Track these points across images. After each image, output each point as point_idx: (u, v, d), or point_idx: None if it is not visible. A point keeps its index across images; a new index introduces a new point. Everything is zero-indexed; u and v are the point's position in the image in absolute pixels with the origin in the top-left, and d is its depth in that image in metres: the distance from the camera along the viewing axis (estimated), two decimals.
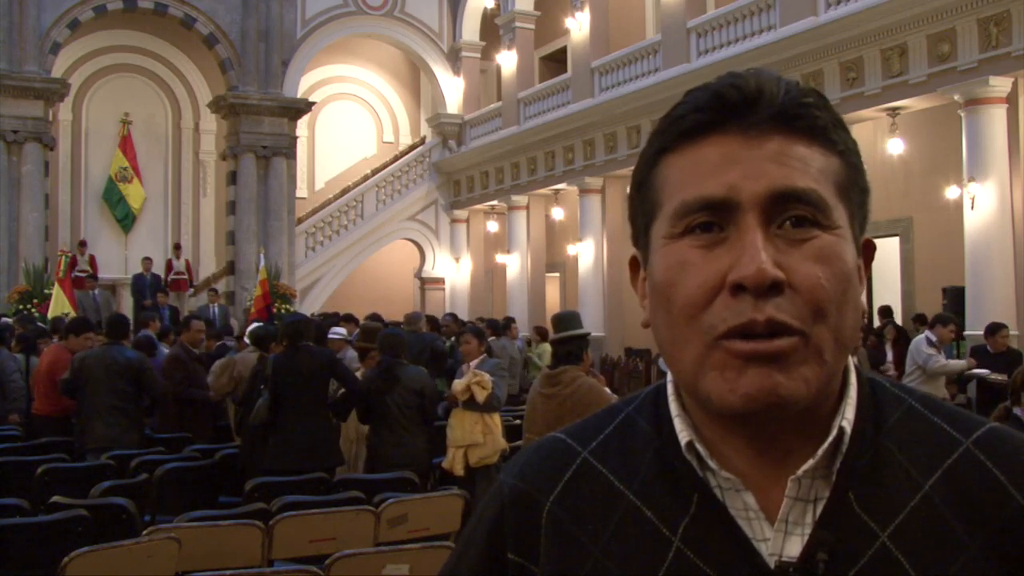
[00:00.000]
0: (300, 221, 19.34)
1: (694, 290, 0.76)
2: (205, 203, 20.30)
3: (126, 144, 19.11)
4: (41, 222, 16.42)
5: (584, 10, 16.53)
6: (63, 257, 13.56)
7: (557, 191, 17.92)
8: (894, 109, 11.60)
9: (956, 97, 10.49)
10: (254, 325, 9.50)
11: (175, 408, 7.66)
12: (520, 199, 18.57)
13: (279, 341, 6.70)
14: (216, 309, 15.48)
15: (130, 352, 6.99)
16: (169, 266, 17.20)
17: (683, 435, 0.81)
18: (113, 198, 19.05)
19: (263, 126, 18.17)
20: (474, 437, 6.09)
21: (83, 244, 17.44)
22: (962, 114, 10.52)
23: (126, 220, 19.21)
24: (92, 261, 16.88)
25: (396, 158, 21.33)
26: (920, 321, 11.79)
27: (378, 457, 6.16)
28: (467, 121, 20.62)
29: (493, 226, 20.75)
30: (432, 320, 11.55)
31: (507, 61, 18.90)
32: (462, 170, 20.56)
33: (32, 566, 3.88)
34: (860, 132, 12.62)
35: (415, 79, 22.60)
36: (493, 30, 19.76)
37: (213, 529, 4.05)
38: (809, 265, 0.75)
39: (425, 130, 21.98)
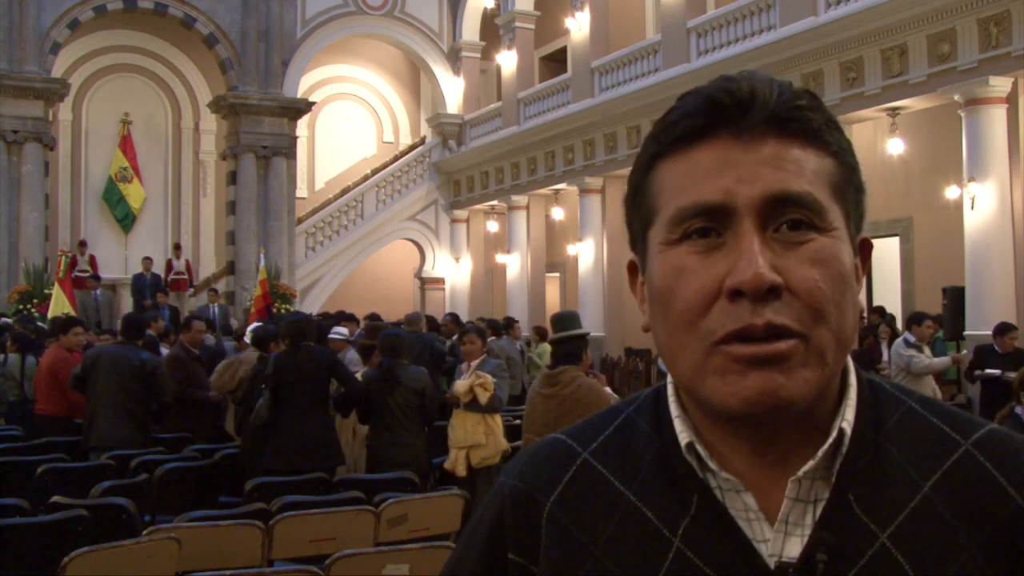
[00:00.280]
0: (300, 221, 19.34)
1: (692, 296, 0.76)
2: (205, 203, 20.31)
3: (126, 144, 19.11)
4: (41, 222, 16.42)
5: (584, 10, 16.53)
6: (63, 257, 13.57)
7: (557, 191, 17.92)
8: (894, 109, 11.60)
9: (956, 97, 10.50)
10: (254, 325, 9.49)
11: (175, 408, 7.65)
12: (520, 199, 18.57)
13: (281, 340, 6.70)
14: (216, 309, 15.48)
15: (144, 354, 6.98)
16: (169, 266, 17.20)
17: (683, 436, 0.82)
18: (113, 198, 19.05)
19: (263, 126, 18.17)
20: (476, 438, 6.09)
21: (83, 244, 17.44)
22: (962, 114, 10.52)
23: (126, 220, 19.21)
24: (92, 261, 16.88)
25: (396, 158, 21.34)
26: (941, 323, 11.79)
27: (378, 457, 6.16)
28: (467, 121, 20.63)
29: (493, 226, 20.76)
30: (431, 320, 11.54)
31: (507, 61, 18.90)
32: (462, 170, 20.56)
33: (32, 566, 3.88)
34: (860, 132, 12.63)
35: (415, 79, 22.61)
36: (493, 30, 19.76)
37: (213, 529, 4.05)
38: (806, 268, 0.75)
39: (425, 130, 21.98)
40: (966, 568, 0.75)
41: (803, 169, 0.77)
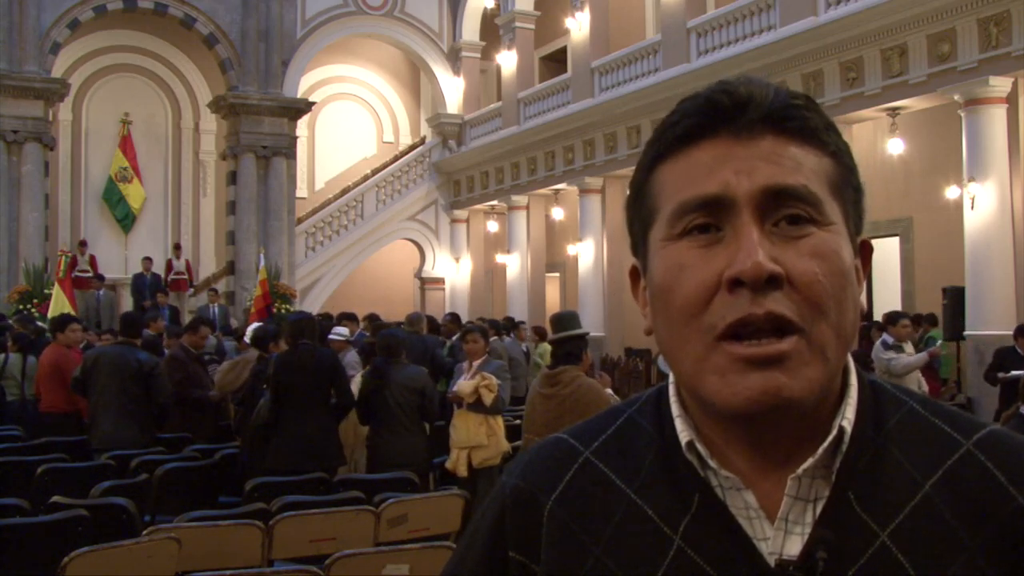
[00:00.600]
0: (300, 221, 19.34)
1: (692, 290, 0.76)
2: (205, 203, 20.31)
3: (126, 144, 19.12)
4: (41, 222, 16.42)
5: (584, 10, 16.53)
6: (63, 257, 13.58)
7: (557, 191, 17.93)
8: (894, 109, 11.60)
9: (956, 97, 10.50)
10: (255, 325, 9.49)
11: (175, 408, 7.64)
12: (520, 199, 18.57)
13: (283, 339, 6.70)
14: (216, 309, 15.49)
15: (142, 354, 6.96)
16: (169, 266, 17.20)
17: (684, 435, 0.82)
18: (113, 198, 19.05)
19: (263, 126, 18.17)
20: (479, 439, 6.09)
21: (83, 244, 17.45)
22: (962, 114, 10.52)
23: (126, 220, 19.21)
24: (92, 261, 16.89)
25: (396, 158, 21.34)
26: (918, 321, 11.80)
27: (378, 456, 6.16)
28: (467, 121, 20.63)
29: (493, 226, 20.76)
30: (431, 320, 11.53)
31: (507, 61, 18.90)
32: (462, 170, 20.56)
33: (32, 566, 3.88)
34: (860, 132, 12.63)
35: (415, 79, 22.61)
36: (493, 30, 19.76)
37: (213, 529, 4.05)
38: (806, 261, 0.75)
39: (425, 130, 21.98)
40: (966, 567, 0.75)
41: (801, 165, 0.77)
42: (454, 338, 10.27)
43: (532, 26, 18.79)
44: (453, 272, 20.97)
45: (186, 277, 17.31)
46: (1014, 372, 7.98)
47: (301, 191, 20.04)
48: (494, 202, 19.67)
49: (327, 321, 10.16)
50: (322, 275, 19.56)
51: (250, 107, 18.02)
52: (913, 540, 0.76)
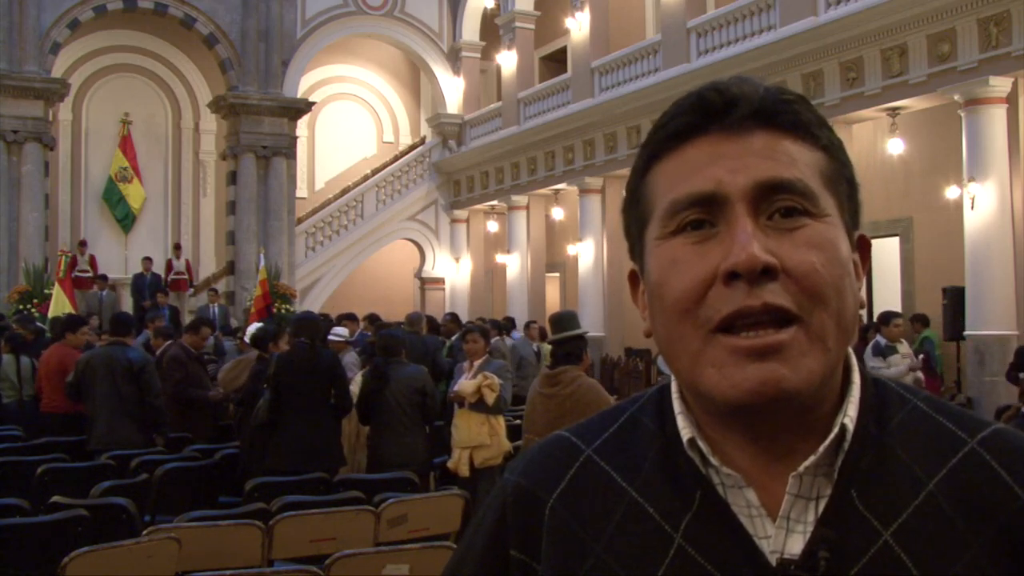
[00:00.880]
0: (300, 221, 19.34)
1: (688, 284, 0.77)
2: (205, 203, 20.31)
3: (126, 144, 19.12)
4: (41, 222, 16.42)
5: (584, 10, 16.53)
6: (63, 257, 13.58)
7: (557, 191, 17.92)
8: (894, 109, 11.60)
9: (956, 97, 10.49)
10: (254, 325, 9.47)
11: (175, 408, 7.65)
12: (520, 199, 18.57)
13: (289, 336, 6.69)
14: (216, 309, 15.49)
15: (132, 353, 6.96)
16: (169, 266, 17.20)
17: (685, 432, 0.82)
18: (113, 198, 19.05)
19: (263, 126, 18.17)
20: (480, 438, 6.08)
21: (83, 244, 17.45)
22: (962, 114, 10.52)
23: (126, 220, 19.21)
24: (92, 261, 16.90)
25: (396, 158, 21.34)
26: (918, 321, 11.80)
27: (378, 456, 6.16)
28: (467, 121, 20.63)
29: (493, 226, 20.76)
30: (431, 320, 11.53)
31: (507, 61, 18.90)
32: (462, 170, 20.56)
33: (32, 566, 3.88)
34: (860, 132, 12.63)
35: (415, 79, 22.61)
36: (493, 30, 19.76)
37: (213, 529, 4.05)
38: (803, 251, 0.75)
39: (425, 130, 21.98)
40: (970, 566, 0.75)
41: (794, 160, 0.78)
42: (454, 338, 10.28)
43: (532, 26, 18.78)
44: (453, 272, 20.97)
45: (186, 277, 17.31)
46: None
47: (301, 191, 20.04)
48: (494, 202, 19.67)
49: (326, 322, 10.15)
50: (322, 275, 19.56)
51: (250, 107, 18.02)
52: (916, 539, 0.76)
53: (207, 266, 19.71)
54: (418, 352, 8.22)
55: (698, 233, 0.77)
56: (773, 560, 0.77)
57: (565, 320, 5.21)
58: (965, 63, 10.33)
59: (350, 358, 7.95)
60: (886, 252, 13.14)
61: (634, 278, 0.87)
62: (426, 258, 20.96)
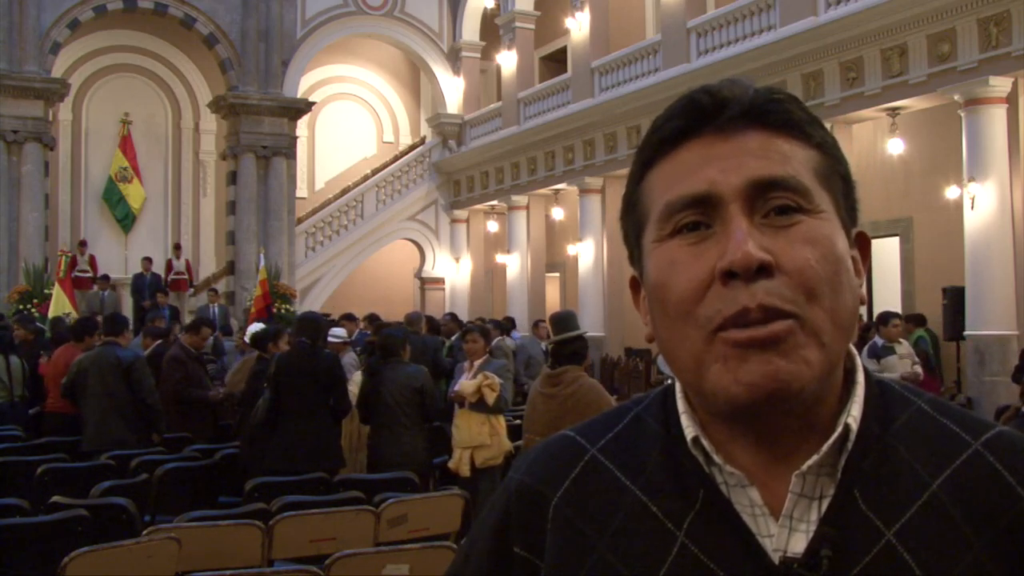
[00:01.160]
0: (300, 221, 19.34)
1: (686, 285, 0.77)
2: (205, 203, 20.31)
3: (126, 144, 19.11)
4: (41, 222, 16.42)
5: (584, 10, 16.53)
6: (63, 257, 13.58)
7: (557, 191, 17.93)
8: (894, 109, 11.60)
9: (956, 97, 10.50)
10: (253, 325, 9.47)
11: (175, 408, 7.65)
12: (520, 199, 18.57)
13: (291, 335, 6.69)
14: (216, 309, 15.48)
15: (123, 352, 6.94)
16: (169, 266, 17.20)
17: (689, 431, 0.82)
18: (113, 198, 19.05)
19: (263, 126, 18.17)
20: (481, 438, 6.08)
21: (83, 244, 17.45)
22: (962, 114, 10.52)
23: (126, 220, 19.21)
24: (92, 261, 16.90)
25: (396, 158, 21.34)
26: (911, 321, 11.80)
27: (377, 456, 6.16)
28: (467, 121, 20.63)
29: (493, 226, 20.76)
30: (431, 320, 11.53)
31: (507, 61, 18.90)
32: (462, 170, 20.56)
33: (32, 566, 3.88)
34: (860, 132, 12.63)
35: (415, 79, 22.61)
36: (493, 30, 19.76)
37: (213, 529, 4.04)
38: (798, 247, 0.75)
39: (425, 130, 21.98)
40: (972, 567, 0.75)
41: (788, 157, 0.78)
42: (454, 338, 10.28)
43: (532, 26, 18.79)
44: (453, 272, 20.97)
45: (186, 277, 17.31)
46: None
47: (301, 191, 20.04)
48: (494, 202, 19.67)
49: (329, 322, 10.14)
50: (322, 275, 19.56)
51: (250, 107, 18.02)
52: (919, 539, 0.76)
53: (207, 266, 19.71)
54: (418, 351, 8.22)
55: (694, 234, 0.78)
56: (776, 559, 0.77)
57: (567, 320, 5.21)
58: (965, 63, 10.33)
59: (349, 358, 7.95)
60: (886, 252, 13.14)
61: (635, 284, 0.88)
62: (426, 258, 20.96)
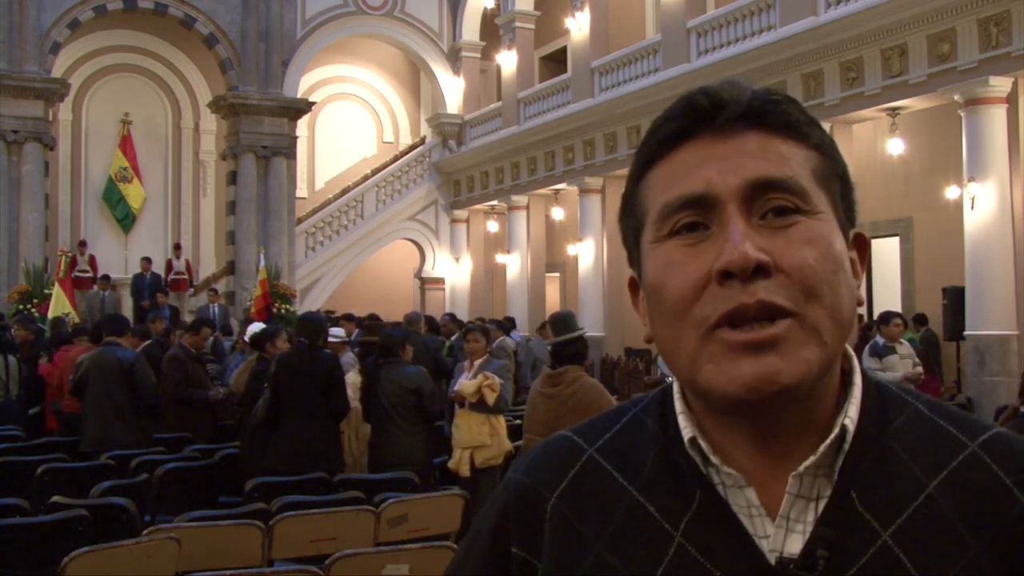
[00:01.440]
0: (300, 221, 19.34)
1: (683, 285, 0.77)
2: (205, 203, 20.31)
3: (126, 144, 19.11)
4: (41, 222, 16.41)
5: (584, 10, 16.53)
6: (63, 257, 13.57)
7: (557, 191, 17.93)
8: (894, 109, 11.60)
9: (956, 97, 10.50)
10: (253, 326, 9.47)
11: (175, 408, 7.65)
12: (520, 199, 18.57)
13: (291, 335, 6.69)
14: (216, 309, 15.48)
15: (123, 352, 6.94)
16: (169, 266, 17.20)
17: (686, 431, 0.82)
18: (113, 198, 19.05)
19: (263, 126, 18.17)
20: (481, 438, 6.08)
21: (83, 244, 17.45)
22: (962, 114, 10.52)
23: (126, 220, 19.21)
24: (92, 261, 16.89)
25: (396, 158, 21.34)
26: (919, 321, 11.80)
27: (376, 456, 6.16)
28: (467, 121, 20.63)
29: (493, 226, 20.76)
30: (431, 320, 11.53)
31: (507, 61, 18.90)
32: (462, 170, 20.56)
33: (32, 566, 3.88)
34: (860, 132, 12.63)
35: (415, 79, 22.61)
36: (493, 30, 19.76)
37: (213, 529, 4.04)
38: (796, 247, 0.76)
39: (425, 130, 21.99)
40: (968, 569, 0.75)
41: (786, 158, 0.78)
42: (453, 337, 10.28)
43: (532, 26, 18.79)
44: (453, 272, 20.97)
45: (186, 277, 17.30)
46: None
47: (301, 191, 20.04)
48: (494, 202, 19.68)
49: (332, 320, 10.14)
50: (322, 275, 19.56)
51: (250, 107, 18.02)
52: (915, 540, 0.76)
53: (207, 266, 19.71)
54: (418, 352, 8.21)
55: (692, 235, 0.78)
56: (772, 559, 0.77)
57: (567, 320, 5.21)
58: (965, 63, 10.33)
59: (348, 358, 7.94)
60: (886, 252, 13.14)
61: (634, 285, 0.88)
62: (426, 258, 20.96)
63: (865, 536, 0.76)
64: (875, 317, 10.81)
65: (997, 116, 10.32)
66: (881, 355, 8.09)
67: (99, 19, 17.43)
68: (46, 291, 14.46)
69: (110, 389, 6.70)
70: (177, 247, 17.96)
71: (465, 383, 6.25)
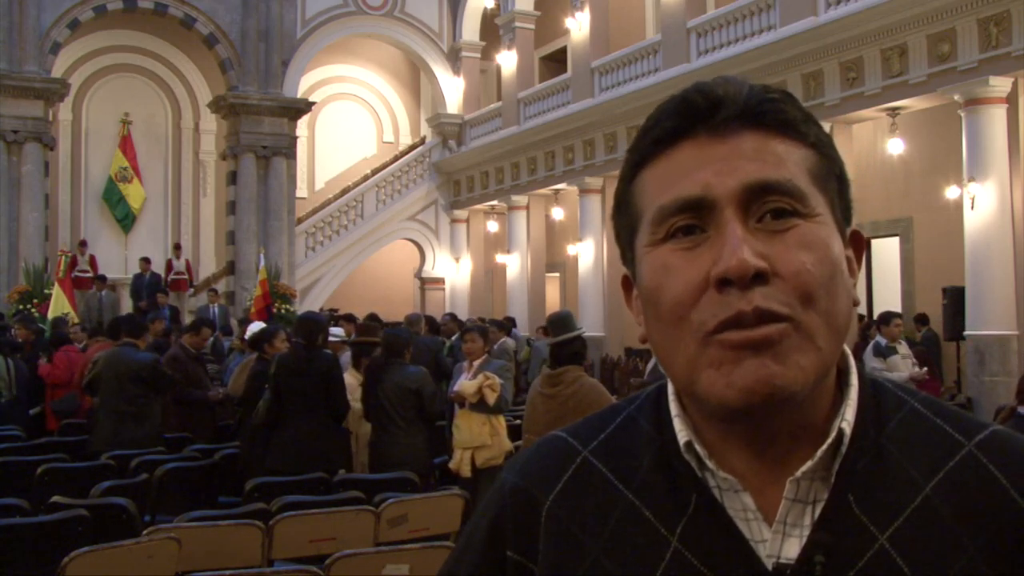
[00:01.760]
0: (300, 221, 19.34)
1: (680, 290, 0.76)
2: (205, 203, 20.31)
3: (126, 144, 19.12)
4: (41, 222, 16.42)
5: (584, 10, 16.53)
6: (63, 257, 13.57)
7: (557, 191, 17.93)
8: (894, 109, 11.60)
9: (956, 97, 10.50)
10: (252, 326, 9.46)
11: (175, 408, 7.66)
12: (520, 199, 18.57)
13: (292, 335, 6.69)
14: (216, 309, 15.48)
15: (142, 354, 6.96)
16: (169, 266, 17.20)
17: (682, 435, 0.81)
18: (113, 198, 19.05)
19: (263, 126, 18.17)
20: (482, 439, 6.07)
21: (83, 244, 17.45)
22: (962, 114, 10.52)
23: (126, 220, 19.21)
24: (92, 261, 16.89)
25: (396, 158, 21.34)
26: (920, 321, 11.80)
27: (376, 457, 6.16)
28: (467, 121, 20.63)
29: (493, 226, 20.76)
30: (431, 321, 11.53)
31: (507, 61, 18.90)
32: (462, 170, 20.56)
33: (32, 566, 3.88)
34: (860, 132, 12.63)
35: (415, 79, 22.61)
36: (493, 30, 19.76)
37: (213, 529, 4.04)
38: (793, 252, 0.75)
39: (425, 130, 21.99)
40: (965, 570, 0.75)
41: (783, 160, 0.77)
42: (453, 338, 10.27)
43: (532, 26, 18.79)
44: (453, 272, 20.97)
45: (186, 277, 17.30)
46: None
47: (301, 191, 20.04)
48: (494, 202, 19.68)
49: (332, 320, 10.13)
50: (322, 275, 19.56)
51: (250, 107, 18.02)
52: (912, 543, 0.76)
53: (207, 266, 19.71)
54: (419, 352, 8.21)
55: (688, 239, 0.77)
56: (769, 564, 0.77)
57: (566, 320, 5.21)
58: (965, 63, 10.33)
59: (347, 357, 7.94)
60: (886, 252, 13.15)
61: (627, 283, 0.87)
62: (426, 258, 20.96)
63: (862, 540, 0.76)
64: (875, 317, 10.82)
65: (997, 116, 10.32)
66: (885, 355, 8.11)
67: (99, 19, 17.43)
68: (46, 291, 14.46)
69: (126, 389, 6.71)
70: (177, 247, 17.96)
71: (465, 383, 6.25)
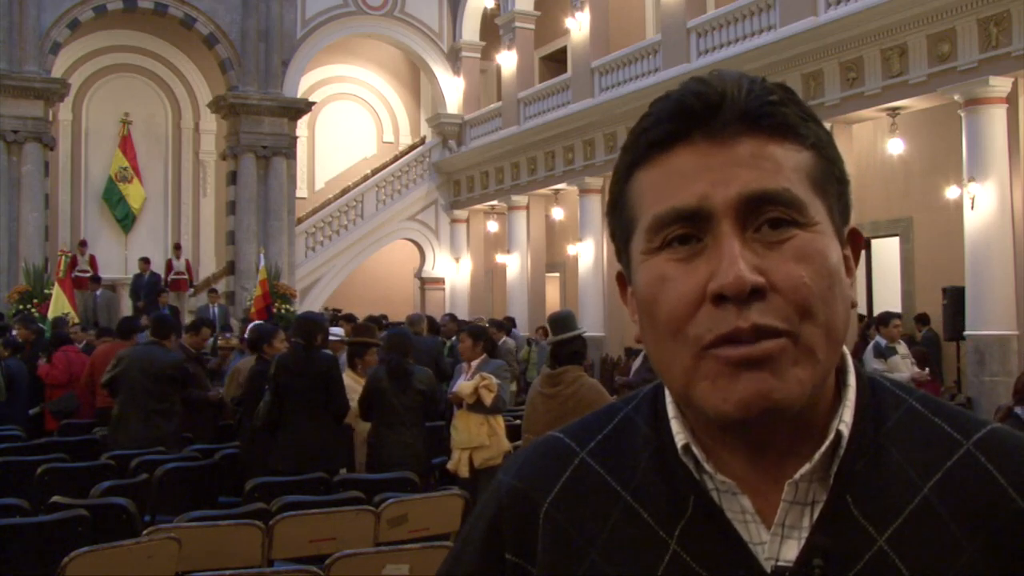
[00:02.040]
0: (300, 221, 19.35)
1: (676, 303, 0.75)
2: (205, 203, 20.31)
3: (126, 144, 19.12)
4: (41, 222, 16.42)
5: (584, 10, 16.53)
6: (63, 257, 13.56)
7: (557, 191, 17.93)
8: (894, 109, 11.60)
9: (956, 97, 10.50)
10: (252, 325, 9.47)
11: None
12: (520, 199, 18.57)
13: (291, 336, 6.69)
14: (216, 309, 15.47)
15: (167, 354, 6.96)
16: (169, 266, 17.20)
17: (679, 437, 0.81)
18: (113, 198, 19.06)
19: (263, 126, 18.17)
20: (480, 439, 6.07)
21: (83, 244, 17.45)
22: (962, 114, 10.52)
23: (126, 220, 19.22)
24: (92, 261, 16.89)
25: (396, 158, 21.34)
26: (921, 321, 11.80)
27: (380, 456, 6.15)
28: (467, 121, 20.63)
29: (493, 226, 20.76)
30: (431, 321, 11.53)
31: (507, 61, 18.90)
32: (462, 170, 20.56)
33: (32, 566, 3.88)
34: (860, 132, 12.63)
35: (415, 79, 22.61)
36: (493, 30, 19.76)
37: (213, 529, 4.04)
38: (791, 265, 0.74)
39: (425, 130, 21.99)
40: (965, 570, 0.75)
41: (780, 166, 0.76)
42: (453, 338, 10.27)
43: (532, 26, 18.79)
44: (453, 272, 20.97)
45: (186, 277, 17.30)
46: None
47: (301, 191, 20.04)
48: (494, 202, 19.68)
49: (332, 319, 10.13)
50: (322, 275, 19.56)
51: (250, 107, 18.02)
52: (911, 544, 0.75)
53: (207, 266, 19.71)
54: (420, 353, 8.21)
55: (685, 249, 0.76)
56: (768, 567, 0.76)
57: (566, 320, 5.21)
58: (965, 63, 10.33)
59: (345, 357, 7.93)
60: (886, 252, 13.15)
61: (622, 279, 0.86)
62: (426, 258, 20.96)
63: (860, 542, 0.76)
64: (875, 317, 10.81)
65: (997, 116, 10.32)
66: (885, 356, 8.11)
67: (99, 19, 17.43)
68: (46, 291, 14.46)
69: (152, 389, 6.72)
70: (177, 247, 17.96)
71: (463, 384, 6.26)
